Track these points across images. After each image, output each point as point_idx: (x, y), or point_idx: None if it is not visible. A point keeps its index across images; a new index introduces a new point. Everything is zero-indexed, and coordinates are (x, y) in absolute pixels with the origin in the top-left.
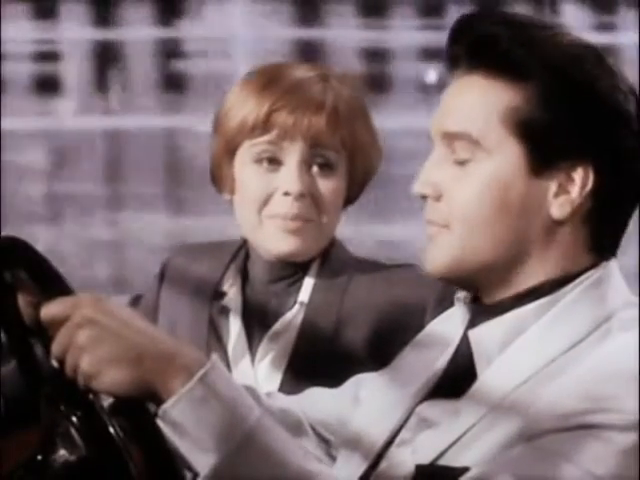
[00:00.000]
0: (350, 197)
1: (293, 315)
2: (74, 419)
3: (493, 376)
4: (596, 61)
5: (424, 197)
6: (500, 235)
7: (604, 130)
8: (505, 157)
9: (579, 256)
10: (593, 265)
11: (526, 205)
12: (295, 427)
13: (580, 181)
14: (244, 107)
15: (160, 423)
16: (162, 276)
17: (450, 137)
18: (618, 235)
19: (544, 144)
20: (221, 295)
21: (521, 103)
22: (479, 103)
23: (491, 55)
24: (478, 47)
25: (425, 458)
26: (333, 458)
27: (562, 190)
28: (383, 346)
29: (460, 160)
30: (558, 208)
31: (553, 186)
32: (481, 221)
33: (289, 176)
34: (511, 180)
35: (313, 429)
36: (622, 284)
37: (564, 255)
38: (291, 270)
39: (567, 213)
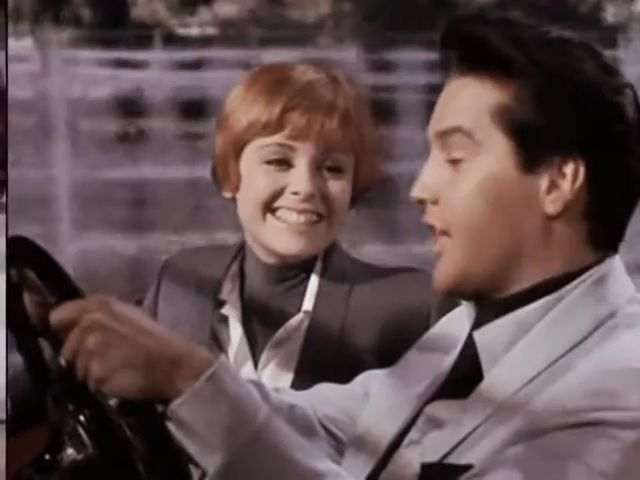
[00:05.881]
0: (354, 200)
1: (298, 322)
2: (82, 418)
3: (499, 375)
4: (586, 56)
5: (422, 202)
6: (497, 234)
7: (593, 125)
8: (495, 153)
9: (580, 253)
10: (596, 261)
11: (519, 202)
12: (304, 423)
13: (571, 176)
14: (253, 106)
15: (168, 422)
16: (160, 280)
17: (444, 135)
18: (619, 230)
19: (533, 141)
20: (221, 303)
21: (510, 101)
22: (470, 101)
23: (481, 56)
24: (468, 49)
25: (433, 458)
26: (342, 455)
27: (554, 185)
28: (389, 351)
29: (454, 159)
30: (551, 204)
31: (544, 182)
32: (477, 221)
33: (299, 177)
34: (502, 177)
35: (322, 425)
36: (626, 280)
37: (564, 252)
38: (290, 272)
39: (560, 208)
